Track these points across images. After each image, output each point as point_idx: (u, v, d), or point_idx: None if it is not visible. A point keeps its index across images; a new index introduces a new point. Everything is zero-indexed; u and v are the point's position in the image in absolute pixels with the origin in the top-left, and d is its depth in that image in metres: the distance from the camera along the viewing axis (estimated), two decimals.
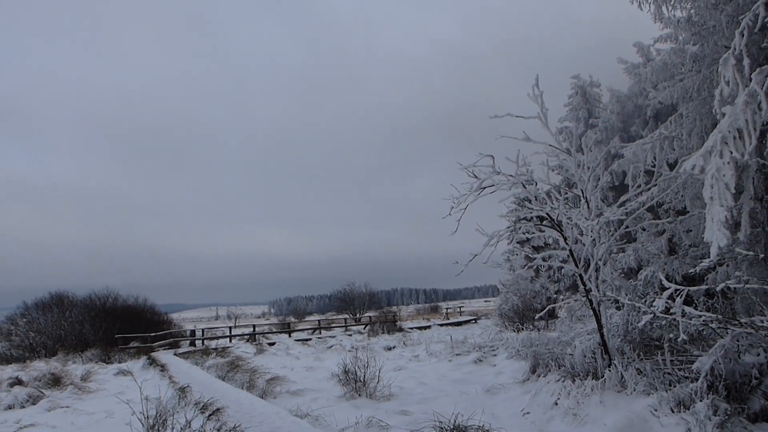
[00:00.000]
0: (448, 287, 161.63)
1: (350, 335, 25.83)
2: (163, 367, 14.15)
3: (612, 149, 13.51)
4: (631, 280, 10.67)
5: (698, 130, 8.39)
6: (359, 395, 8.73)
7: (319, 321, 34.72)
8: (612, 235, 7.29)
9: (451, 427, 5.63)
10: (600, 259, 7.16)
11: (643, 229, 10.45)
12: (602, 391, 6.15)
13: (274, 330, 31.13)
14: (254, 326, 29.16)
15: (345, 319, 33.79)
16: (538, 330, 16.87)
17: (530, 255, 9.09)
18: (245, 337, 26.00)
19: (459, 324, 30.42)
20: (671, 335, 6.62)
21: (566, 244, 7.49)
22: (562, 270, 19.78)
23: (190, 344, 24.47)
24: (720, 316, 5.47)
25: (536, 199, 7.67)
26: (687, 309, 5.37)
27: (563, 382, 6.80)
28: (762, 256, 7.13)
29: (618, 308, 7.88)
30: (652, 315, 5.59)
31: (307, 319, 51.90)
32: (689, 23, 8.38)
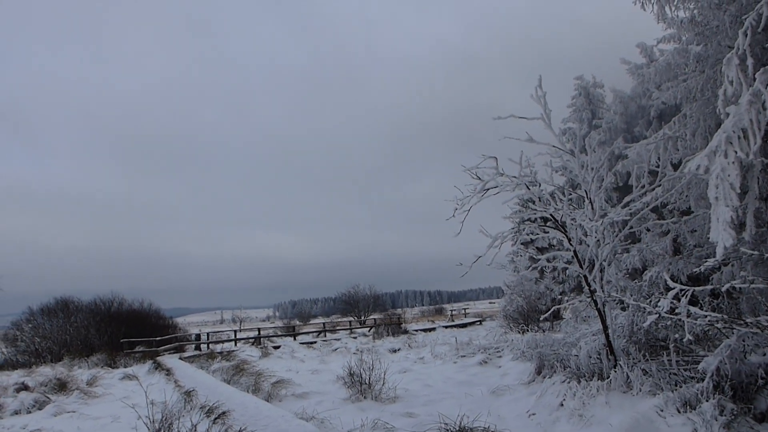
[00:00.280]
0: (452, 289, 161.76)
1: (355, 338, 25.81)
2: (168, 371, 14.18)
3: (616, 150, 13.47)
4: (635, 281, 10.62)
5: (702, 131, 8.36)
6: (364, 398, 8.73)
7: (323, 324, 34.74)
8: (616, 236, 7.28)
9: (457, 428, 5.63)
10: (604, 260, 7.15)
11: (648, 230, 10.40)
12: (608, 391, 6.14)
13: (279, 333, 31.14)
14: (259, 329, 29.23)
15: (350, 322, 33.80)
16: (543, 331, 16.81)
17: (534, 256, 9.09)
18: (250, 340, 26.02)
19: (464, 326, 30.37)
20: (677, 335, 6.61)
21: (570, 245, 7.49)
22: (567, 271, 19.74)
23: (195, 348, 24.54)
24: (725, 316, 5.45)
25: (540, 200, 7.67)
26: (692, 309, 5.36)
27: (569, 383, 6.79)
28: (767, 255, 7.10)
29: (623, 309, 7.87)
30: (657, 315, 5.58)
31: (311, 322, 52.00)
32: (692, 23, 8.36)
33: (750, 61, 4.60)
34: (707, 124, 8.30)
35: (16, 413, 9.75)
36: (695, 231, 9.02)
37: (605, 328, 6.98)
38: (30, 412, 9.79)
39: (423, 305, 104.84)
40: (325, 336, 28.16)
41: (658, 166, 8.10)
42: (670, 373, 6.06)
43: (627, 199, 7.36)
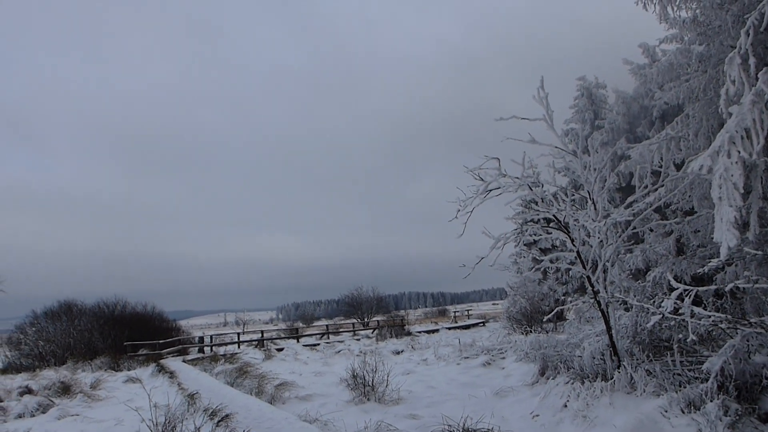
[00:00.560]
0: (455, 290, 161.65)
1: (358, 340, 25.81)
2: (171, 374, 14.19)
3: (618, 150, 13.43)
4: (639, 281, 10.59)
5: (705, 131, 8.35)
6: (368, 400, 8.72)
7: (327, 326, 34.75)
8: (619, 237, 7.26)
9: (461, 430, 5.63)
10: (608, 261, 7.13)
11: (651, 230, 10.38)
12: (612, 392, 6.12)
13: (283, 335, 31.16)
14: (262, 332, 29.24)
15: (353, 324, 33.83)
16: (547, 332, 16.77)
17: (537, 257, 9.08)
18: (253, 343, 26.04)
19: (467, 327, 30.34)
20: (680, 336, 6.58)
21: (573, 245, 7.47)
22: (570, 272, 19.65)
23: (198, 351, 24.55)
24: (729, 316, 5.43)
25: (543, 201, 7.66)
26: (696, 309, 5.34)
27: (572, 384, 6.77)
28: None
29: (626, 309, 7.85)
30: (661, 316, 5.56)
31: (315, 324, 52.01)
32: (695, 23, 8.35)
33: (752, 61, 4.60)
34: (710, 124, 8.28)
35: (20, 417, 9.76)
36: (698, 231, 9.01)
37: (609, 328, 6.96)
38: (34, 416, 9.81)
39: (426, 307, 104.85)
40: (329, 338, 28.17)
41: (660, 167, 8.08)
42: (674, 374, 6.03)
43: (630, 199, 7.34)
